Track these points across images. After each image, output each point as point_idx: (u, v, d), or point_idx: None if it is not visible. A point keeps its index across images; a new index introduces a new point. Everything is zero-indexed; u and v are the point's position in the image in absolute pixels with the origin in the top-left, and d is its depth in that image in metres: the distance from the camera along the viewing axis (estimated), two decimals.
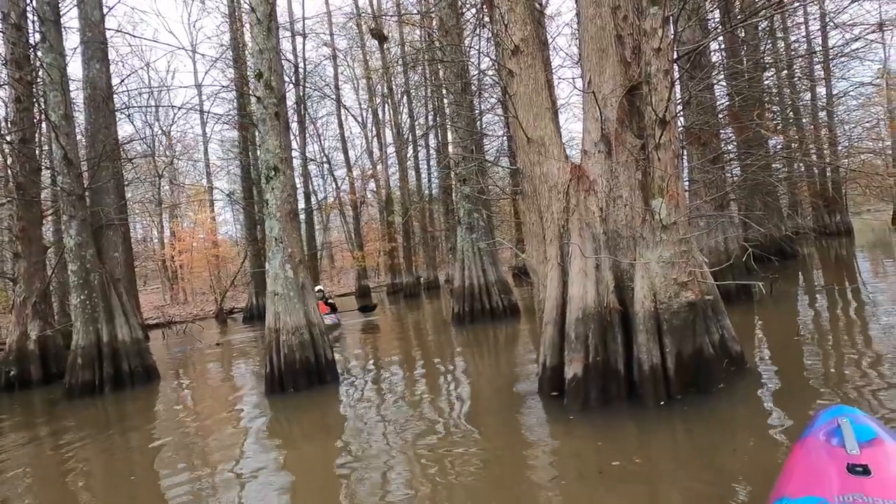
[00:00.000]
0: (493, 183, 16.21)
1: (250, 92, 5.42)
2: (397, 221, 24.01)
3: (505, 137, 18.15)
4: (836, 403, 1.77)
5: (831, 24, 12.62)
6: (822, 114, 18.40)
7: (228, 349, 10.13)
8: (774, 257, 9.36)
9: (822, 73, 17.39)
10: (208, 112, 22.63)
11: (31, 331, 8.16)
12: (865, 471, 1.38)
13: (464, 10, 9.42)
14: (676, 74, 3.29)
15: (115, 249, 7.44)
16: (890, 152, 22.38)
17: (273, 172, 5.32)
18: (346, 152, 24.90)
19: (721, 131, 7.14)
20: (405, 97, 23.00)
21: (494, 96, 16.68)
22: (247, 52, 19.48)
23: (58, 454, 4.12)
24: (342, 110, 24.92)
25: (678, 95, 3.40)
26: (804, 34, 16.45)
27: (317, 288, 11.54)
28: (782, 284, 8.15)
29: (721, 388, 3.26)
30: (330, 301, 11.93)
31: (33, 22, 9.68)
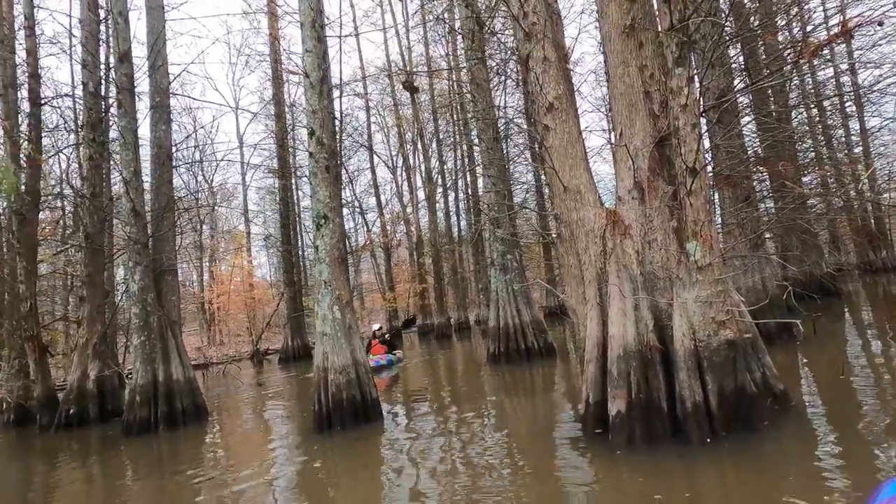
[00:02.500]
0: (523, 226, 16.50)
1: (305, 148, 5.93)
2: (427, 263, 24.45)
3: (534, 182, 18.60)
4: None
5: (859, 63, 12.74)
6: (858, 150, 18.15)
7: (270, 389, 10.43)
8: (816, 295, 9.18)
9: (854, 108, 17.32)
10: (248, 163, 24.08)
11: (90, 370, 8.66)
12: None
13: (492, 65, 10.02)
14: (704, 127, 3.54)
15: (172, 293, 7.97)
16: None
17: (323, 220, 5.74)
18: (378, 196, 25.78)
19: (753, 171, 7.28)
20: (434, 143, 23.90)
21: (521, 142, 17.25)
22: (302, 110, 20.89)
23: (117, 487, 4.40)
24: (374, 157, 26.01)
25: (706, 143, 3.63)
26: (832, 73, 16.51)
27: (375, 326, 11.74)
28: (826, 322, 7.97)
29: (766, 426, 3.30)
30: (388, 339, 11.71)
31: (107, 89, 10.86)
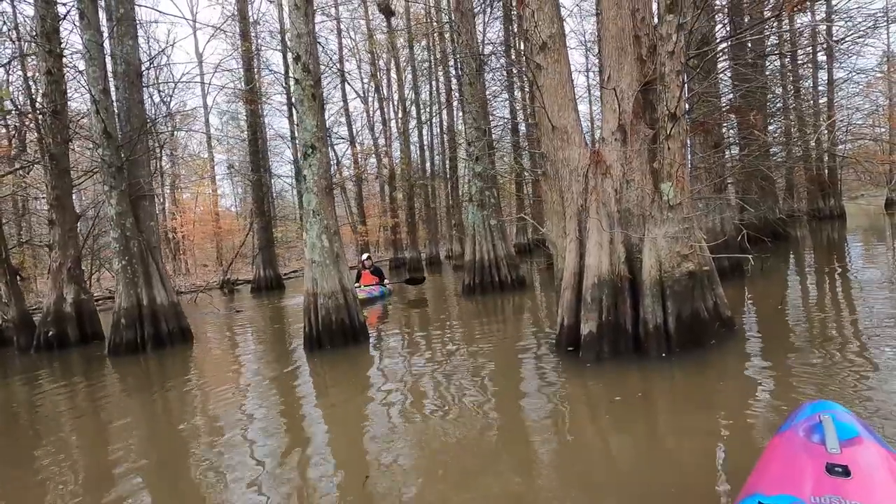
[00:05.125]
0: (499, 162, 16.63)
1: (273, 71, 5.82)
2: (399, 197, 24.44)
3: (510, 119, 18.48)
4: (819, 398, 1.78)
5: (834, 13, 12.94)
6: (823, 100, 18.75)
7: (249, 315, 10.72)
8: (767, 238, 9.95)
9: (825, 59, 17.70)
10: (209, 84, 22.72)
11: (66, 294, 8.68)
12: (845, 472, 1.30)
13: None
14: (686, 77, 3.76)
15: (150, 219, 7.91)
16: (887, 139, 22.81)
17: (311, 150, 5.78)
18: (349, 127, 25.05)
19: (726, 119, 7.63)
20: (409, 72, 23.09)
21: (501, 77, 16.94)
22: (269, 31, 19.58)
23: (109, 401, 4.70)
24: (345, 85, 24.98)
25: (687, 92, 3.88)
26: (809, 20, 16.66)
27: (364, 256, 11.78)
28: (773, 263, 8.76)
29: (713, 345, 3.85)
30: (378, 268, 11.53)
31: None
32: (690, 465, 2.32)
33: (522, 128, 18.50)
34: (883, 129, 22.47)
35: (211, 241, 28.95)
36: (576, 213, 4.16)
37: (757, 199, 10.68)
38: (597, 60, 18.73)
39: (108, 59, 7.80)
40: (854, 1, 11.60)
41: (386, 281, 11.11)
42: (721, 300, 4.12)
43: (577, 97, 4.64)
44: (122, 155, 7.47)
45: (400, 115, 23.75)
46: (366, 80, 26.22)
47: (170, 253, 29.59)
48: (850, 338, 3.96)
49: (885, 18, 14.76)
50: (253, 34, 19.50)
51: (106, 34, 7.75)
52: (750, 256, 4.01)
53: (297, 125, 5.95)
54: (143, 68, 8.63)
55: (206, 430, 3.50)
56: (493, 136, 13.04)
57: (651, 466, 2.35)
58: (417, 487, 2.35)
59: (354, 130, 25.70)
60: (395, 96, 24.76)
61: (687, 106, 3.63)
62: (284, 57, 19.22)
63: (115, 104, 7.66)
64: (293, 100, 6.07)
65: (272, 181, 22.62)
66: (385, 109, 25.13)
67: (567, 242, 4.21)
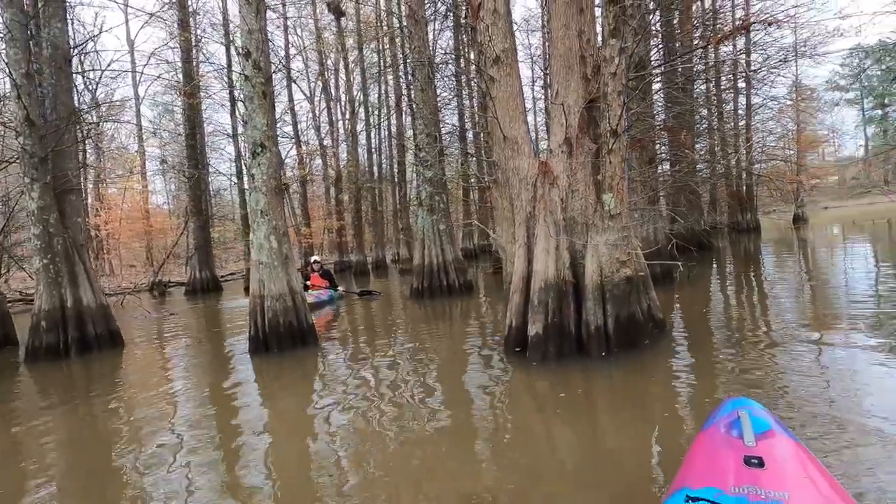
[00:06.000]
0: (448, 168, 16.83)
1: (239, 71, 5.68)
2: (345, 200, 24.09)
3: (459, 127, 18.80)
4: (738, 395, 1.92)
5: (752, 45, 14.28)
6: (742, 122, 20.53)
7: (185, 319, 10.21)
8: (694, 248, 10.78)
9: (744, 85, 19.42)
10: (142, 73, 21.42)
11: None
12: (760, 463, 1.41)
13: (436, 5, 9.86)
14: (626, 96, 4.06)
15: (77, 215, 7.37)
16: (795, 160, 25.26)
17: (260, 149, 5.66)
18: (295, 125, 24.43)
19: (659, 136, 8.24)
20: (359, 74, 22.90)
21: (452, 85, 17.22)
22: (211, 24, 18.70)
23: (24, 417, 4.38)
24: (291, 83, 24.34)
25: (627, 111, 4.18)
26: (731, 50, 18.21)
27: (313, 258, 11.39)
28: (699, 270, 9.51)
29: (647, 345, 4.16)
30: (327, 271, 11.06)
31: None
32: (628, 458, 2.52)
33: (471, 135, 18.87)
34: (792, 152, 24.88)
35: (140, 240, 27.16)
36: (525, 220, 4.36)
37: (685, 211, 11.55)
38: (542, 73, 19.49)
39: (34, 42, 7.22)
40: (769, 36, 12.88)
41: (340, 288, 10.80)
42: (654, 304, 4.46)
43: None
44: (47, 145, 6.93)
45: (348, 116, 23.48)
46: (313, 80, 25.70)
47: (92, 252, 27.46)
48: (764, 338, 4.42)
49: (794, 53, 16.46)
50: (192, 24, 18.63)
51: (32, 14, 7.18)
52: (679, 264, 4.37)
53: (245, 122, 5.81)
54: (73, 54, 8.06)
55: (135, 442, 3.26)
56: (444, 142, 13.24)
57: (592, 459, 2.54)
58: (367, 490, 2.40)
59: (300, 130, 25.09)
60: (344, 97, 24.44)
61: (626, 123, 3.92)
62: (227, 50, 18.48)
63: (39, 90, 7.11)
64: (242, 96, 5.92)
65: (210, 179, 21.63)
66: (332, 110, 24.74)
67: (516, 248, 4.40)
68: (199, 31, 18.97)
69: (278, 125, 24.13)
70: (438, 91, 14.39)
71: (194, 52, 18.77)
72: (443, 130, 15.08)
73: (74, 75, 9.44)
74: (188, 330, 8.69)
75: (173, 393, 4.44)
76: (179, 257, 25.31)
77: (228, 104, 19.00)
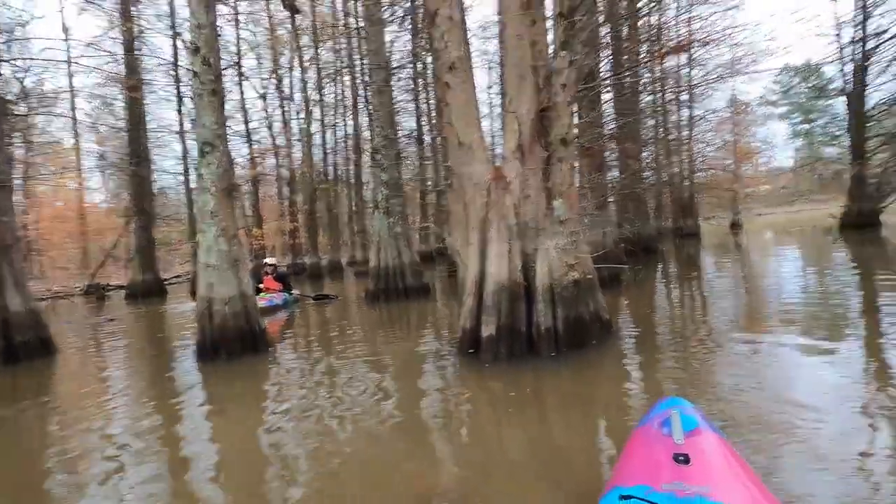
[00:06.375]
0: (405, 171, 16.84)
1: (187, 66, 5.48)
2: (299, 201, 23.57)
3: (416, 130, 18.87)
4: (672, 395, 1.99)
5: (694, 61, 15.16)
6: (686, 133, 21.73)
7: (126, 325, 9.69)
8: (640, 252, 11.29)
9: (687, 99, 20.56)
10: (76, 62, 20.14)
11: None
12: (686, 459, 1.46)
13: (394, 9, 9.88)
14: (574, 106, 4.24)
15: (5, 214, 6.85)
16: (732, 169, 26.94)
17: (209, 148, 5.48)
18: (246, 123, 23.66)
19: (607, 145, 8.62)
20: (314, 73, 22.50)
21: (409, 88, 17.26)
22: (157, 14, 17.84)
23: None
24: (242, 80, 23.57)
25: (577, 120, 4.36)
26: (675, 64, 19.24)
27: (268, 260, 10.95)
28: (644, 273, 9.97)
29: (594, 345, 4.34)
30: (283, 274, 10.63)
31: None
32: (576, 454, 2.63)
33: (428, 139, 18.95)
34: (729, 162, 26.51)
35: (74, 240, 25.48)
36: (478, 224, 4.46)
37: (632, 217, 12.08)
38: (499, 79, 19.84)
39: None
40: (708, 53, 13.75)
41: (295, 291, 10.41)
42: (601, 305, 4.65)
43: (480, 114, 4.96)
44: None
45: (302, 115, 23.00)
46: (266, 77, 24.99)
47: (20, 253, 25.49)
48: (704, 337, 4.71)
49: (731, 70, 17.61)
50: (135, 13, 17.71)
51: None
52: (625, 267, 4.59)
53: (194, 120, 5.61)
54: (1, 41, 7.51)
55: (69, 457, 3.05)
56: (400, 144, 13.24)
57: (543, 456, 2.63)
58: (322, 493, 2.39)
59: (251, 128, 24.32)
60: (298, 96, 23.93)
61: (576, 132, 4.09)
62: (174, 44, 17.70)
63: None
64: (191, 93, 5.72)
65: (154, 177, 20.59)
66: (286, 109, 24.15)
67: (470, 251, 4.49)
68: (142, 22, 18.05)
69: (229, 123, 23.34)
70: (396, 94, 14.39)
71: (137, 43, 17.84)
72: (400, 133, 15.09)
73: (0, 63, 8.81)
74: (129, 336, 8.27)
75: (111, 403, 4.22)
76: (119, 259, 23.94)
77: (175, 99, 18.16)
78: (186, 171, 17.96)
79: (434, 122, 16.84)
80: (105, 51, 19.56)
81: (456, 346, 4.64)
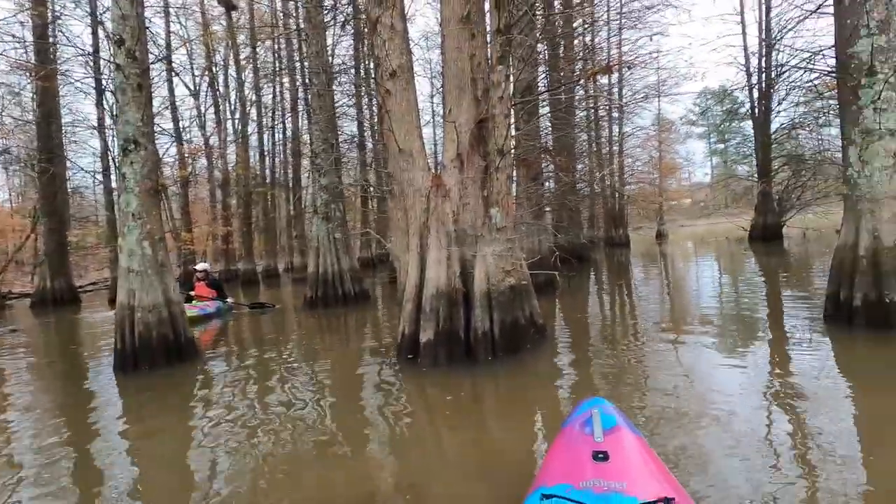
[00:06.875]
0: (345, 177, 16.59)
1: (110, 59, 5.15)
2: (234, 204, 22.56)
3: (357, 135, 18.65)
4: (596, 395, 2.05)
5: (624, 82, 16.16)
6: (616, 147, 23.03)
7: (33, 336, 8.83)
8: (574, 259, 11.80)
9: (618, 116, 21.82)
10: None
11: None
12: (605, 457, 1.50)
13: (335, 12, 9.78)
14: (512, 118, 4.41)
15: None
16: (658, 183, 28.83)
17: (133, 146, 5.16)
18: (176, 121, 22.37)
19: (542, 157, 8.99)
20: (251, 73, 21.72)
21: (351, 92, 17.08)
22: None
23: None
24: (172, 75, 22.31)
25: (513, 132, 4.53)
26: (607, 83, 20.38)
27: (200, 265, 10.24)
28: (578, 280, 10.44)
29: (529, 348, 4.50)
30: (216, 281, 9.99)
31: None
32: (511, 455, 2.70)
33: (370, 144, 18.80)
34: (655, 176, 28.36)
35: None
36: (418, 230, 4.50)
37: (566, 226, 12.63)
38: (441, 88, 20.10)
39: None
40: (634, 75, 14.72)
41: (229, 299, 9.83)
42: (536, 310, 4.84)
43: (422, 122, 5.03)
44: None
45: (238, 115, 22.10)
46: (198, 74, 23.78)
47: None
48: (632, 339, 5.02)
49: (656, 91, 18.96)
50: None
51: None
52: (557, 273, 4.80)
53: (117, 116, 5.26)
54: None
55: None
56: (341, 149, 13.04)
57: (479, 457, 2.70)
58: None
59: (182, 127, 23.01)
60: (234, 95, 22.98)
61: (513, 143, 4.26)
62: (94, 33, 16.43)
63: None
64: (114, 87, 5.36)
65: (68, 175, 18.92)
66: (221, 108, 23.07)
67: (410, 257, 4.52)
68: (57, 7, 16.64)
69: (157, 120, 21.99)
70: (337, 98, 14.16)
71: (51, 29, 16.42)
72: (341, 138, 14.84)
73: None
74: (35, 348, 7.54)
75: (12, 422, 3.84)
76: (25, 265, 21.79)
77: (94, 92, 16.84)
78: (107, 169, 16.66)
79: (376, 127, 16.76)
80: (11, 35, 17.87)
81: (395, 351, 4.65)
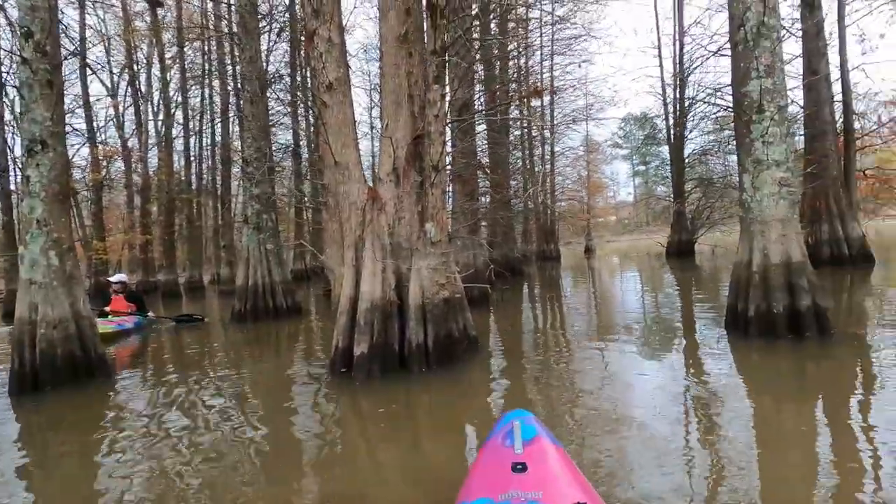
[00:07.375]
0: (279, 187, 16.12)
1: (13, 50, 4.73)
2: (155, 211, 21.13)
3: (292, 145, 18.18)
4: (519, 407, 2.07)
5: (556, 104, 17.06)
6: (549, 166, 24.11)
7: None
8: (508, 273, 12.17)
9: (550, 136, 22.91)
10: None
11: None
12: (524, 468, 1.51)
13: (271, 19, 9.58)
14: (449, 134, 4.55)
15: None
16: (586, 201, 30.45)
17: (40, 147, 4.75)
18: (90, 120, 20.68)
19: (478, 174, 9.27)
20: (178, 74, 20.63)
21: (286, 99, 16.67)
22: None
23: None
24: (87, 70, 20.68)
25: (450, 148, 4.67)
26: (540, 105, 21.38)
27: (117, 277, 9.36)
28: (511, 293, 10.77)
29: (463, 360, 4.59)
30: (135, 294, 9.38)
31: None
32: (444, 467, 2.74)
33: (306, 154, 18.39)
34: (583, 194, 29.97)
35: None
36: (353, 243, 4.49)
37: (501, 240, 13.02)
38: (379, 102, 20.14)
39: None
40: (564, 99, 15.60)
41: (151, 313, 9.18)
42: (469, 323, 4.95)
43: (359, 135, 5.05)
44: None
45: (161, 118, 20.84)
46: (117, 71, 22.20)
47: None
48: (562, 349, 5.27)
49: (584, 115, 20.17)
50: None
51: None
52: (488, 287, 4.95)
53: (21, 113, 4.83)
54: None
55: None
56: (275, 158, 12.67)
57: (412, 470, 2.72)
58: None
59: (96, 126, 21.28)
60: (157, 96, 21.67)
61: (449, 159, 4.38)
62: None
63: None
64: (19, 83, 4.92)
65: (17, 178, 16.87)
66: (142, 108, 21.63)
67: (345, 270, 4.49)
68: None
69: (67, 118, 20.20)
70: (271, 105, 13.77)
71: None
72: (274, 147, 14.42)
73: None
74: None
75: None
76: None
77: None
78: (5, 170, 15.05)
79: (312, 137, 16.45)
80: None
81: (328, 365, 4.57)
